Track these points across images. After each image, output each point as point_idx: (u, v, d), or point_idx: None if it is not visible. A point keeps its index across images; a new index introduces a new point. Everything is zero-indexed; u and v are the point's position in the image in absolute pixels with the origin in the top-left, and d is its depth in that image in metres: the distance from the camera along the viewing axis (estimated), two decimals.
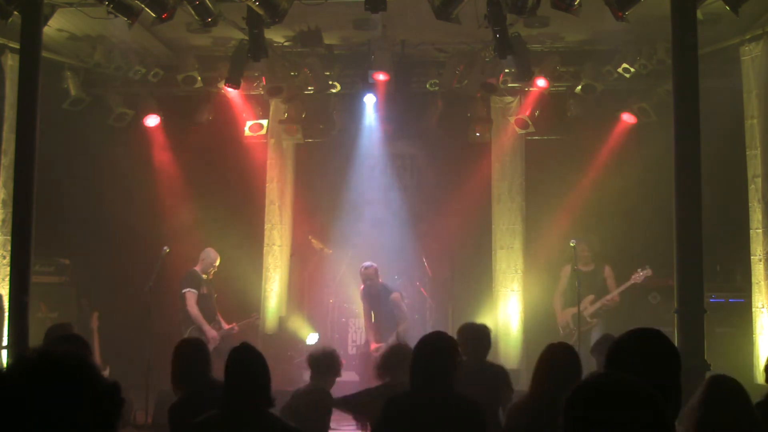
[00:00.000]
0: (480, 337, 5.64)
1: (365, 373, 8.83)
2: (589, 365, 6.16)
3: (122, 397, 1.74)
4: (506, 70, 9.87)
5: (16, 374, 1.66)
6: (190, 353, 4.72)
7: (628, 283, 9.17)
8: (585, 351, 8.84)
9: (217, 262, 9.28)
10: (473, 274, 10.57)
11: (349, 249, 10.22)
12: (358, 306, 9.96)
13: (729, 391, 3.54)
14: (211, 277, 9.27)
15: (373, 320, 9.17)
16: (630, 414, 1.84)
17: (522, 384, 9.48)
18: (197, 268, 9.18)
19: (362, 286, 9.17)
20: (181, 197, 10.55)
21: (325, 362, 5.69)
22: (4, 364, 7.46)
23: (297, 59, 9.90)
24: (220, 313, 9.28)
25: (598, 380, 1.95)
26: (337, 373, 5.72)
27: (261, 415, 3.62)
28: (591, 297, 9.36)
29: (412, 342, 4.29)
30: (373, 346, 8.96)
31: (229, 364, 3.74)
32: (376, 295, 9.04)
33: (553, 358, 4.16)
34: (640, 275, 9.03)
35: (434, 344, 4.10)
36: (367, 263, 9.04)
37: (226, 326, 9.16)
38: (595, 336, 9.04)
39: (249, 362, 3.71)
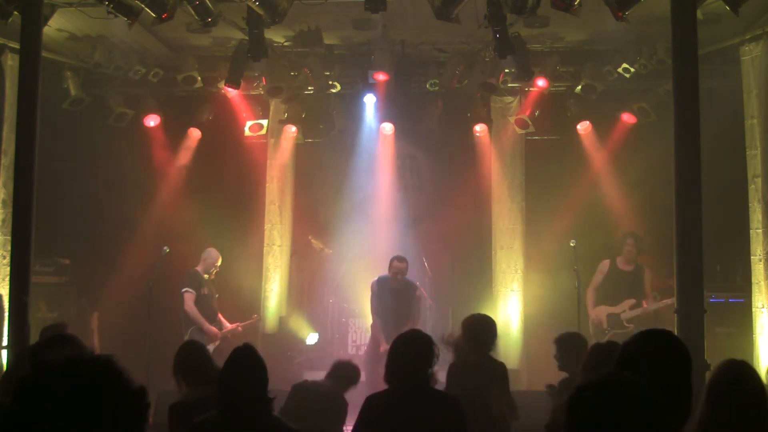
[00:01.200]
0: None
1: (375, 374, 8.74)
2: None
3: (148, 400, 1.75)
4: (506, 70, 9.87)
5: (46, 378, 1.66)
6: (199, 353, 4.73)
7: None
8: None
9: (219, 262, 9.28)
10: (473, 274, 10.57)
11: (349, 249, 10.22)
12: (358, 306, 9.95)
13: (734, 374, 3.47)
14: (213, 277, 9.27)
15: (382, 316, 8.73)
16: (632, 414, 1.84)
17: (522, 383, 9.50)
18: (199, 268, 9.17)
19: (383, 277, 8.77)
20: (181, 197, 10.56)
21: (344, 372, 5.82)
22: (5, 365, 7.47)
23: (297, 59, 9.90)
24: (222, 313, 9.29)
25: (600, 381, 1.95)
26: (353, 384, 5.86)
27: (260, 416, 3.63)
28: (631, 301, 8.97)
29: None
30: (383, 348, 8.47)
31: (227, 365, 3.75)
32: (402, 290, 8.71)
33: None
34: None
35: (409, 342, 4.16)
36: (402, 255, 8.69)
37: (230, 326, 9.16)
38: None
39: (247, 364, 3.71)
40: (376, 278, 8.89)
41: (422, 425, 3.94)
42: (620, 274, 9.19)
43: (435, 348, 4.18)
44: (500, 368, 5.39)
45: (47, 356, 3.81)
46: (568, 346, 5.52)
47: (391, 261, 8.66)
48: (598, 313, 9.01)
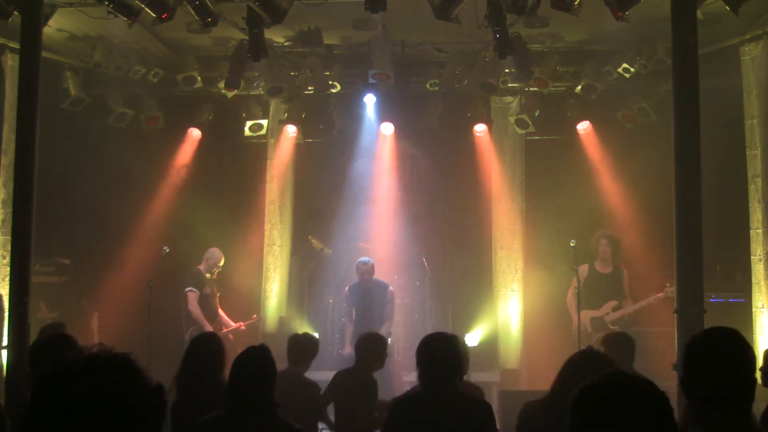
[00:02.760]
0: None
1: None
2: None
3: (166, 398, 1.75)
4: (506, 70, 9.87)
5: (66, 375, 1.67)
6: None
7: (661, 294, 8.73)
8: None
9: (222, 262, 9.30)
10: (473, 274, 10.57)
11: (349, 249, 10.22)
12: None
13: None
14: (215, 276, 9.27)
15: (355, 319, 9.07)
16: (636, 413, 1.84)
17: (522, 383, 9.51)
18: (201, 267, 9.19)
19: (355, 282, 9.15)
20: (181, 197, 10.55)
21: (300, 348, 5.91)
22: (5, 365, 7.47)
23: (297, 59, 9.90)
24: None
25: (604, 380, 1.95)
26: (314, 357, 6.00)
27: (266, 416, 3.62)
28: (613, 303, 9.08)
29: (414, 342, 4.28)
30: (347, 351, 8.83)
31: (238, 364, 3.75)
32: (370, 291, 9.03)
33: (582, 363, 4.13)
34: (671, 289, 8.12)
35: (441, 343, 4.09)
36: (366, 258, 9.13)
37: (233, 324, 9.17)
38: None
39: (257, 365, 3.71)
40: (347, 286, 9.26)
41: (451, 427, 3.88)
42: (599, 277, 9.26)
43: (462, 351, 4.14)
44: None
45: (49, 356, 3.82)
46: (614, 345, 5.64)
47: (357, 265, 9.10)
48: (582, 317, 8.99)
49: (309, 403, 5.60)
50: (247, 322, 9.38)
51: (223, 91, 10.09)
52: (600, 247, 9.31)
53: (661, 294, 8.80)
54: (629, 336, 6.11)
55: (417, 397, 4.05)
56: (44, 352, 4.05)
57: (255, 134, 10.64)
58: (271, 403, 3.65)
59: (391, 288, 9.17)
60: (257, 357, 3.75)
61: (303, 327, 10.09)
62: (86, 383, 1.65)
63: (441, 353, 4.02)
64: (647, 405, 1.86)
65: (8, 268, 6.95)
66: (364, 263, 9.05)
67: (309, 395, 5.67)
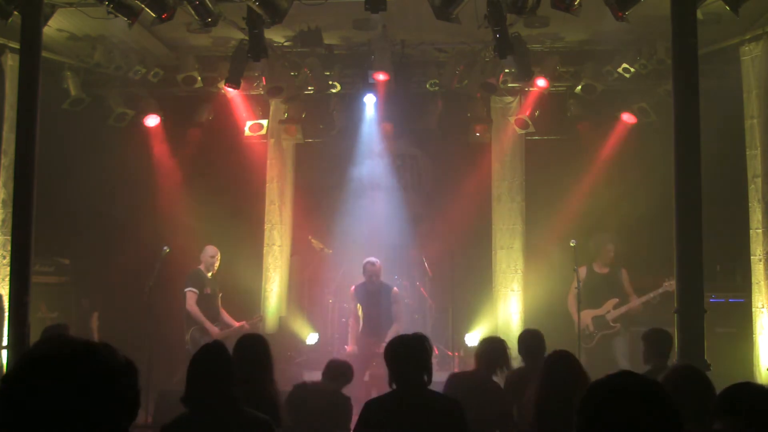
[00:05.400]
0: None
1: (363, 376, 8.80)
2: (599, 370, 6.16)
3: (138, 387, 1.72)
4: (506, 70, 9.87)
5: (30, 370, 1.64)
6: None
7: (660, 290, 8.78)
8: (602, 355, 8.81)
9: (218, 257, 9.24)
10: (473, 274, 10.57)
11: (349, 249, 10.22)
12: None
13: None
14: (215, 272, 9.25)
15: (362, 319, 9.02)
16: (643, 413, 1.84)
17: None
18: (201, 267, 9.17)
19: (360, 282, 9.04)
20: (181, 197, 10.56)
21: (340, 370, 5.88)
22: (5, 364, 7.47)
23: (297, 59, 9.91)
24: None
25: (611, 380, 1.96)
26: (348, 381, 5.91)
27: (231, 410, 3.64)
28: (614, 300, 9.13)
29: None
30: (349, 348, 8.92)
31: (192, 363, 3.76)
32: (376, 292, 8.93)
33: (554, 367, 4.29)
34: (670, 284, 8.35)
35: (401, 347, 4.15)
36: (373, 259, 8.91)
37: (236, 324, 9.16)
38: (618, 342, 8.90)
39: (211, 361, 3.73)
40: (353, 286, 9.14)
41: (422, 429, 3.92)
42: (598, 277, 9.30)
43: (428, 350, 4.17)
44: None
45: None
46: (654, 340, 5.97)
47: (364, 265, 8.90)
48: (583, 317, 9.04)
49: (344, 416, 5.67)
50: (250, 321, 9.36)
51: (223, 90, 10.09)
52: (605, 252, 9.33)
53: (660, 290, 8.82)
54: (665, 330, 6.13)
55: (386, 398, 4.08)
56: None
57: (255, 134, 10.64)
58: (232, 396, 3.66)
59: (396, 289, 9.07)
60: (213, 354, 3.76)
61: (303, 327, 10.12)
62: (52, 374, 1.60)
63: (399, 354, 4.09)
64: (653, 405, 1.86)
65: (8, 268, 6.94)
66: (372, 264, 8.83)
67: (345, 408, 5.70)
